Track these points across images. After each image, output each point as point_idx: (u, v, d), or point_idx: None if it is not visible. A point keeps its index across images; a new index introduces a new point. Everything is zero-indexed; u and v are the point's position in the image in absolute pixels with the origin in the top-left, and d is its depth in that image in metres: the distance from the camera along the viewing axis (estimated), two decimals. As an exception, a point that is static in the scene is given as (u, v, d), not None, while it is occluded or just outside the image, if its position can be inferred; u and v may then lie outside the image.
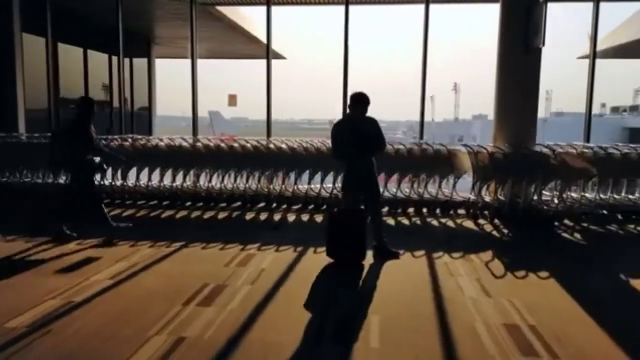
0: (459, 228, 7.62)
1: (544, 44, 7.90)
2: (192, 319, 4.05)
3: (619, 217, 8.18)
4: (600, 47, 18.71)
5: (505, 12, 8.37)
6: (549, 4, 8.21)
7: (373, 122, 5.83)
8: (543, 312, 4.32)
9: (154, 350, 3.52)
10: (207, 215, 8.21)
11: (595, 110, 43.01)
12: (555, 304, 4.57)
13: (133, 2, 13.36)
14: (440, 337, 3.81)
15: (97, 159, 6.43)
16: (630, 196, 8.40)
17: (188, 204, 8.88)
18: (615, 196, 8.36)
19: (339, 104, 9.47)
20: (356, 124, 5.76)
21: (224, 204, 8.87)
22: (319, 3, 10.49)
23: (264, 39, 16.70)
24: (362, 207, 5.88)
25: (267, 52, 9.82)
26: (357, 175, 5.86)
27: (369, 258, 5.70)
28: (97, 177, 6.87)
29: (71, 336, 3.73)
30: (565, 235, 7.25)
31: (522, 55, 8.16)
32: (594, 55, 9.18)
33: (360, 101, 5.69)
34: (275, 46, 18.20)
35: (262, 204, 8.84)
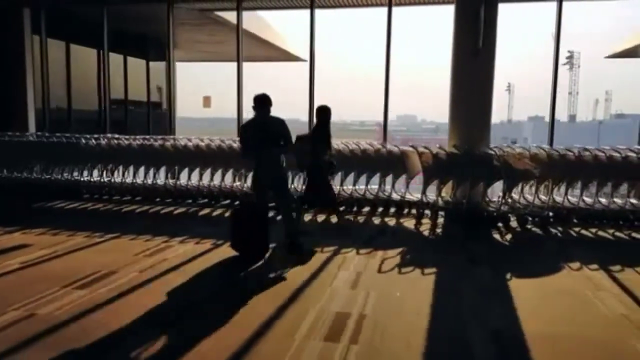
0: (397, 226, 7.76)
1: (483, 45, 7.91)
2: (57, 299, 4.50)
3: (574, 220, 8.06)
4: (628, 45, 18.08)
5: (458, 13, 8.41)
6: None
7: (280, 122, 6.11)
8: (388, 304, 4.52)
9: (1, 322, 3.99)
10: (165, 210, 8.71)
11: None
12: (409, 297, 4.72)
13: (145, 8, 14.15)
14: (264, 321, 4.07)
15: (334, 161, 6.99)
16: (587, 199, 8.23)
17: (157, 199, 9.42)
18: (571, 199, 8.22)
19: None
20: (263, 124, 6.05)
21: (189, 200, 9.35)
22: (286, 7, 10.82)
23: (276, 43, 17.33)
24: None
25: (238, 56, 10.23)
26: (266, 173, 6.15)
27: (278, 252, 6.01)
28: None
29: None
30: (496, 236, 7.25)
31: (472, 56, 8.19)
32: (557, 57, 9.02)
33: (262, 102, 5.99)
34: (293, 49, 18.76)
35: (227, 201, 9.27)
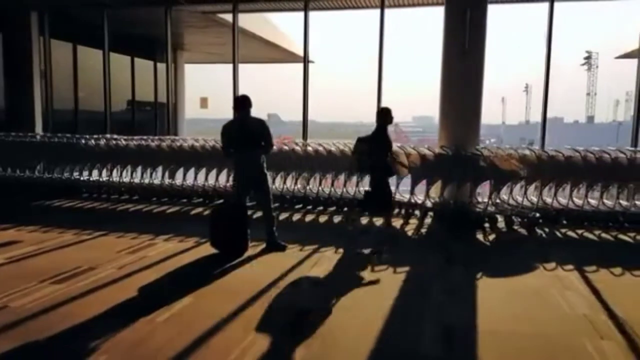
0: (383, 226, 7.80)
1: (470, 46, 7.96)
2: (32, 293, 4.69)
3: (564, 221, 8.06)
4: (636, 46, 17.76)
5: (447, 14, 8.45)
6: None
7: (261, 123, 6.25)
8: (349, 301, 4.62)
9: (-27, 314, 4.18)
10: (159, 209, 8.91)
11: None
12: (373, 296, 4.81)
13: (148, 13, 14.40)
14: (221, 317, 4.20)
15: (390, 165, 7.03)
16: (576, 200, 8.21)
17: (153, 199, 9.62)
18: (560, 200, 8.21)
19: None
20: (244, 124, 6.20)
21: (185, 200, 9.54)
22: (281, 9, 10.96)
23: (283, 44, 17.46)
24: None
25: (234, 57, 10.40)
26: (246, 173, 6.29)
27: (256, 249, 6.14)
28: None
29: None
30: (480, 237, 7.29)
31: (460, 57, 8.24)
32: (548, 59, 9.01)
33: (243, 103, 6.13)
34: (295, 51, 18.89)
35: (220, 201, 9.42)
